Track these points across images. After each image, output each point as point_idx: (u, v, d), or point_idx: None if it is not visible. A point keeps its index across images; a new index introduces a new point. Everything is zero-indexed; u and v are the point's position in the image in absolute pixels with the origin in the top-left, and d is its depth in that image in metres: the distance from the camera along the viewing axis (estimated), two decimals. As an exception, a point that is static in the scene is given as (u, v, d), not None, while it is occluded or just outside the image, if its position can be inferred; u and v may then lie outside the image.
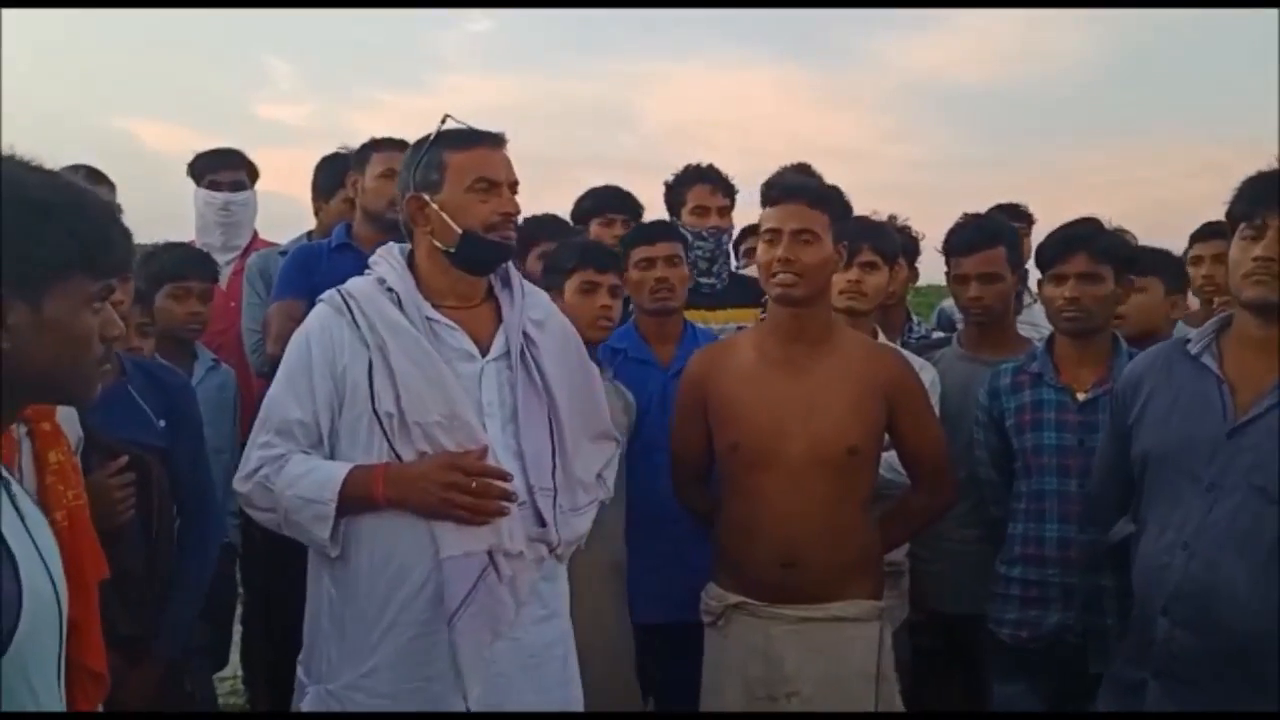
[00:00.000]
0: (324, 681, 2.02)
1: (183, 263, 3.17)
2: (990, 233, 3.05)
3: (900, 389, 2.46)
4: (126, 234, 1.22)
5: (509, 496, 1.97)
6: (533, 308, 2.17)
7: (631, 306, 3.09)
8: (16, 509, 1.15)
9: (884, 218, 3.28)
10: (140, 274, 3.02)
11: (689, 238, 3.30)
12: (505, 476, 1.98)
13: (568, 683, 2.13)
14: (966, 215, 3.20)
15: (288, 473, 1.98)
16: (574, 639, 2.18)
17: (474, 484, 1.94)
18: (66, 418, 1.96)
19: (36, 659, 1.12)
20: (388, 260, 2.11)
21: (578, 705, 2.15)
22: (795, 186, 2.49)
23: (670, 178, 3.75)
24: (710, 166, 3.72)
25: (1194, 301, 3.67)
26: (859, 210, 3.47)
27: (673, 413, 2.65)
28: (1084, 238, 2.63)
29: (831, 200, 2.46)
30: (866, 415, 2.41)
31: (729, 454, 2.47)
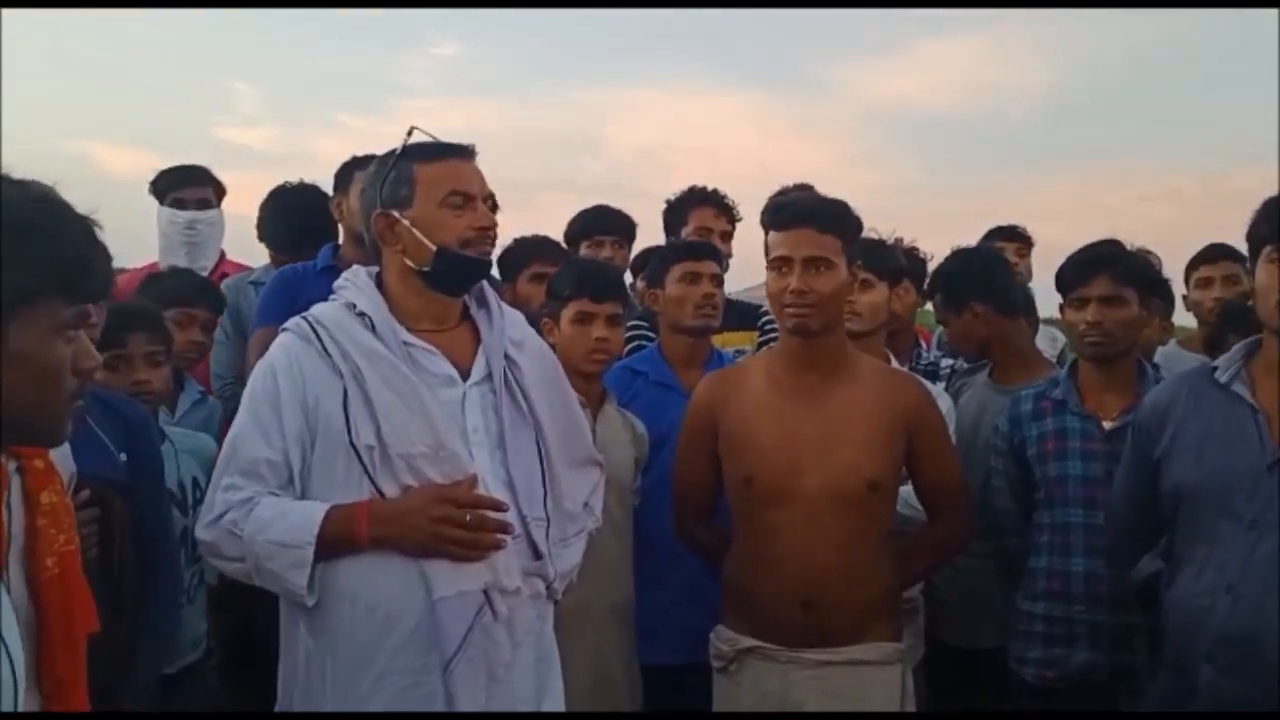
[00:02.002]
0: None
1: (189, 289, 3.04)
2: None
3: (920, 419, 2.35)
4: (106, 255, 1.11)
5: (505, 529, 1.86)
6: (510, 328, 2.07)
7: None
8: None
9: (890, 239, 3.19)
10: (144, 296, 2.85)
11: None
12: (500, 507, 1.86)
13: None
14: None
15: (257, 516, 1.83)
16: (571, 684, 2.06)
17: (468, 517, 1.82)
18: (61, 453, 1.81)
19: None
20: (355, 283, 1.99)
21: None
22: (806, 210, 2.34)
23: (672, 197, 3.67)
24: (714, 190, 3.65)
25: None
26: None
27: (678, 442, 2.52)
28: (1106, 259, 2.55)
29: (843, 221, 2.33)
30: (886, 448, 2.30)
31: (742, 488, 2.34)
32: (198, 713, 2.37)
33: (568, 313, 2.58)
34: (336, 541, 1.82)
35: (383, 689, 1.83)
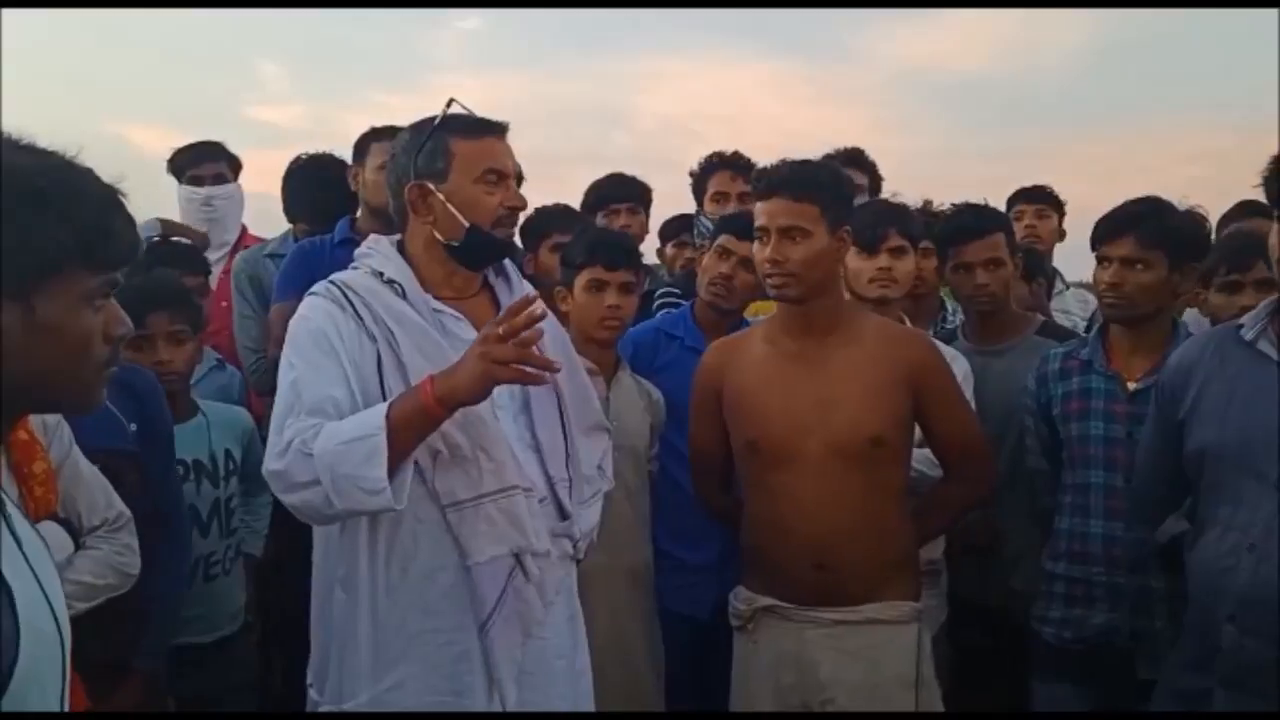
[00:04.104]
0: (342, 699, 1.90)
1: (170, 258, 3.06)
2: (990, 219, 3.02)
3: (924, 373, 2.32)
4: (130, 222, 1.07)
5: (535, 314, 1.74)
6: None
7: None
8: (15, 537, 1.01)
9: (918, 203, 3.16)
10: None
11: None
12: (530, 297, 1.81)
13: (588, 684, 2.07)
14: (957, 205, 3.15)
15: (324, 431, 1.76)
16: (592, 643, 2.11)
17: (503, 329, 1.72)
18: (55, 419, 1.83)
19: (38, 701, 0.99)
20: (380, 252, 2.00)
21: (590, 702, 2.09)
22: (779, 179, 2.32)
23: (695, 166, 3.66)
24: (735, 153, 3.62)
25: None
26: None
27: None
28: (1132, 219, 2.48)
29: (821, 186, 2.29)
30: (888, 403, 2.28)
31: (748, 452, 2.36)
32: (196, 712, 2.39)
33: (580, 281, 2.58)
34: (409, 419, 1.73)
35: (419, 647, 1.86)
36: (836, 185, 2.34)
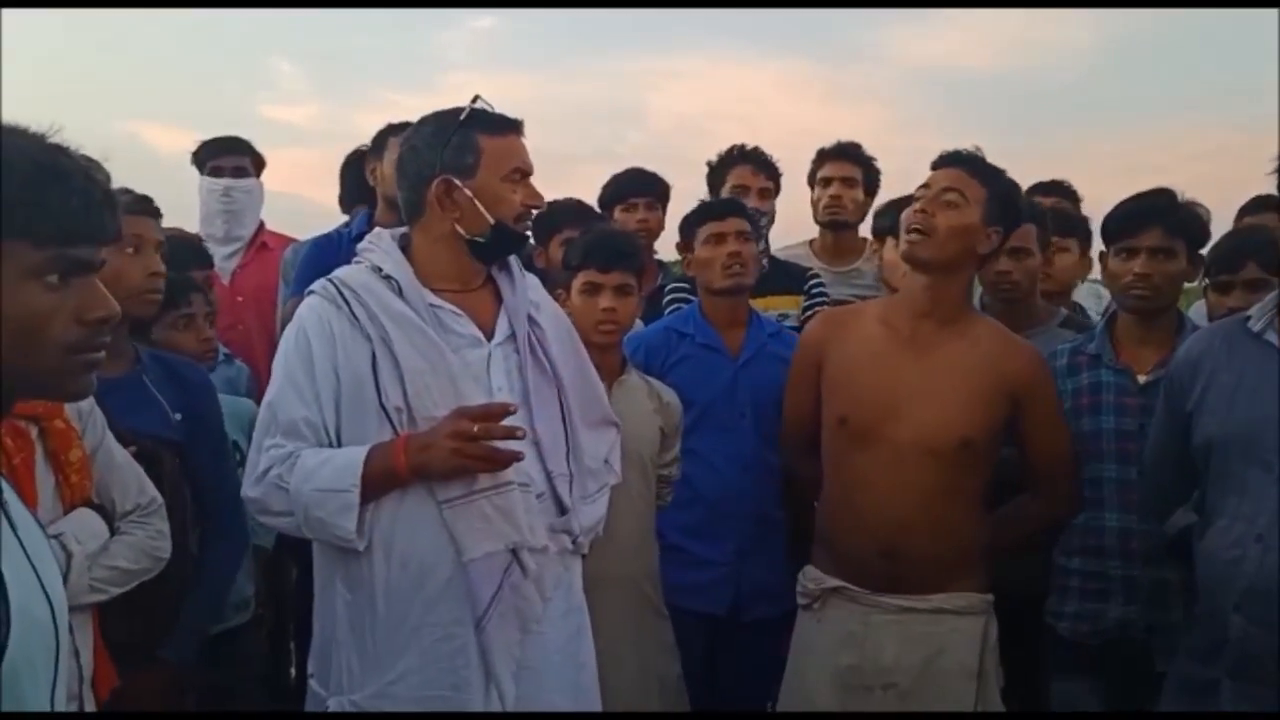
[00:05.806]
0: (346, 692, 1.92)
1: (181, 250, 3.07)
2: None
3: (1030, 387, 2.31)
4: (75, 194, 0.98)
5: (514, 434, 1.85)
6: (530, 289, 2.10)
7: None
8: (10, 523, 0.99)
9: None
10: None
11: (756, 218, 3.06)
12: (509, 409, 1.87)
13: (590, 677, 2.07)
14: None
15: (302, 467, 1.85)
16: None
17: (476, 428, 1.81)
18: (88, 406, 1.87)
19: (30, 683, 0.97)
20: (380, 246, 2.01)
21: (593, 695, 2.08)
22: (963, 155, 2.36)
23: (713, 158, 3.65)
24: (755, 148, 3.61)
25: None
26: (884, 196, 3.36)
27: (790, 376, 2.55)
28: (1159, 210, 2.48)
29: (997, 178, 2.31)
30: (986, 408, 2.27)
31: (836, 428, 2.36)
32: (196, 712, 2.38)
33: (576, 283, 2.55)
34: (380, 478, 1.84)
35: (418, 640, 1.87)
36: (1011, 189, 2.37)
